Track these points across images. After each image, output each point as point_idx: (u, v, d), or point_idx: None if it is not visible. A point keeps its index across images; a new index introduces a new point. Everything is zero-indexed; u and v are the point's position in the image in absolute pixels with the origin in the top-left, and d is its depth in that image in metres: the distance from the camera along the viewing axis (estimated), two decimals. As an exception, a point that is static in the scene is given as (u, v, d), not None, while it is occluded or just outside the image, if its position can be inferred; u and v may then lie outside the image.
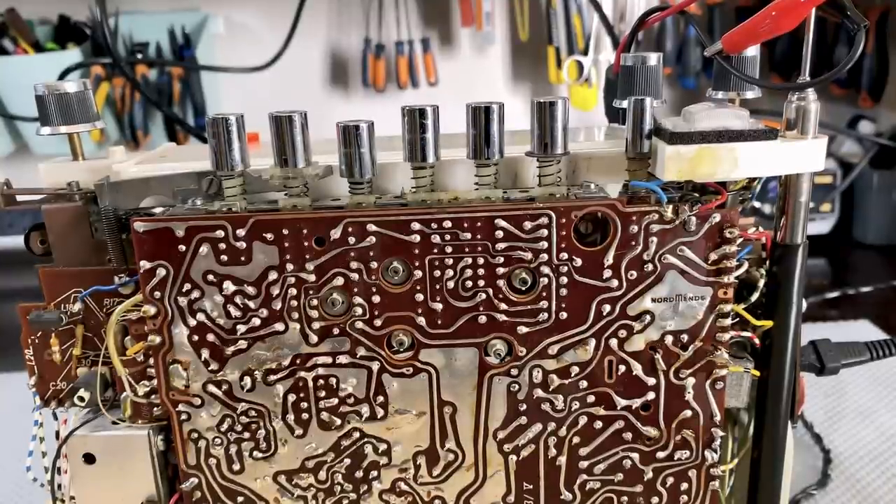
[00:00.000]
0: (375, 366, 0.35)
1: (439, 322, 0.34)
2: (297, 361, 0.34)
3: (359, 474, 0.36)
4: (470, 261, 0.33)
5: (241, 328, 0.34)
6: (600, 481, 0.36)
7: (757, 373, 0.36)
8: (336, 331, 0.34)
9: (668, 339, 0.34)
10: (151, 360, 0.35)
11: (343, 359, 0.34)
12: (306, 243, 0.33)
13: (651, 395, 0.35)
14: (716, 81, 0.38)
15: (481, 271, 0.33)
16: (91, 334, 0.37)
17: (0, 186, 0.36)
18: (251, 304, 0.34)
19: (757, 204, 0.89)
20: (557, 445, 0.36)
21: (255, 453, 0.36)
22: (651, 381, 0.35)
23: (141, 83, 0.94)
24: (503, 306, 0.34)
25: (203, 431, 0.35)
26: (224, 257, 0.33)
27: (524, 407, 0.35)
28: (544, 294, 0.34)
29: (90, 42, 0.94)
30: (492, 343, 0.34)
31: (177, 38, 0.98)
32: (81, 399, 0.35)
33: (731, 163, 0.31)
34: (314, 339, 0.34)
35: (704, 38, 0.37)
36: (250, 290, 0.33)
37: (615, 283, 0.33)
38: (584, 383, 0.35)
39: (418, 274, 0.33)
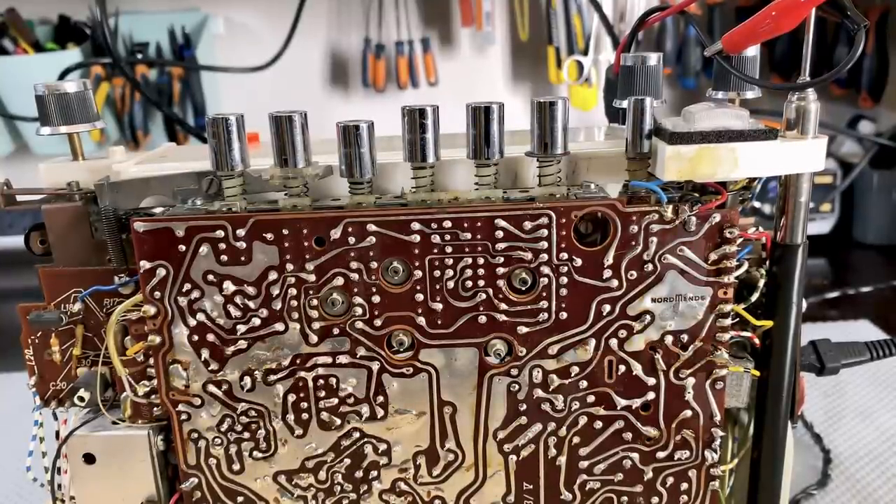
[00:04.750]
0: (375, 366, 0.35)
1: (439, 322, 0.34)
2: (297, 361, 0.34)
3: (359, 474, 0.36)
4: (470, 261, 0.33)
5: (241, 328, 0.34)
6: (600, 481, 0.36)
7: (757, 373, 0.36)
8: (336, 331, 0.34)
9: (668, 339, 0.34)
10: (151, 360, 0.35)
11: (343, 359, 0.34)
12: (306, 243, 0.33)
13: (651, 395, 0.35)
14: (716, 81, 0.38)
15: (481, 271, 0.33)
16: (91, 334, 0.37)
17: (0, 186, 0.36)
18: (251, 304, 0.34)
19: (757, 204, 0.89)
20: (557, 445, 0.36)
21: (255, 453, 0.36)
22: (651, 381, 0.35)
23: (141, 83, 0.94)
24: (503, 306, 0.34)
25: (203, 431, 0.35)
26: (224, 257, 0.33)
27: (524, 407, 0.35)
28: (544, 294, 0.34)
29: (90, 42, 0.94)
30: (492, 343, 0.34)
31: (177, 38, 0.98)
32: (81, 399, 0.35)
33: (731, 163, 0.31)
34: (314, 339, 0.34)
35: (704, 38, 0.37)
36: (250, 290, 0.33)
37: (615, 283, 0.33)
38: (584, 383, 0.35)
39: (418, 274, 0.33)
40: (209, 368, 0.35)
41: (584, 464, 0.36)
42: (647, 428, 0.35)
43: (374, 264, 0.33)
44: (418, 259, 0.33)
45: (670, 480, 0.36)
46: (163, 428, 0.36)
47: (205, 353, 0.34)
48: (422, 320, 0.34)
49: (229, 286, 0.33)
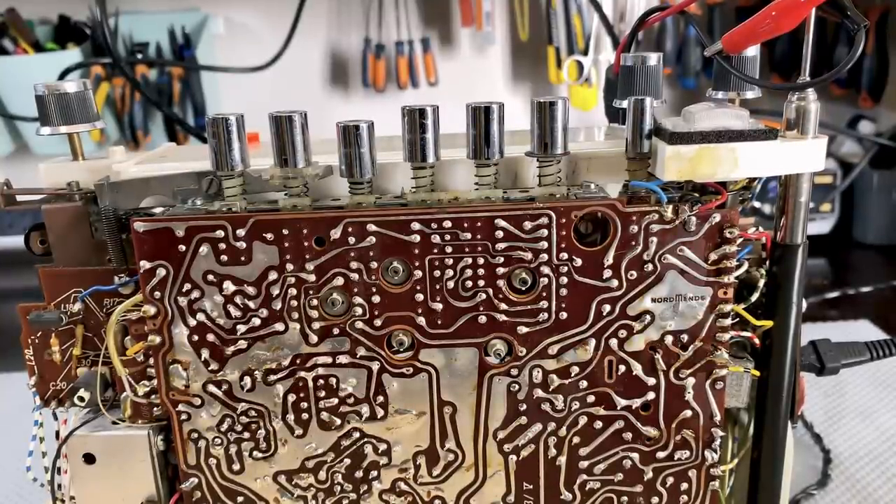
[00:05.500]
0: (375, 366, 0.35)
1: (439, 322, 0.34)
2: (297, 361, 0.34)
3: (359, 474, 0.36)
4: (470, 261, 0.33)
5: (241, 328, 0.34)
6: (600, 481, 0.36)
7: (757, 373, 0.36)
8: (336, 331, 0.34)
9: (668, 339, 0.34)
10: (151, 360, 0.35)
11: (343, 359, 0.34)
12: (306, 243, 0.33)
13: (651, 395, 0.35)
14: (716, 81, 0.38)
15: (481, 271, 0.33)
16: (91, 334, 0.37)
17: (0, 186, 0.36)
18: (251, 304, 0.34)
19: (757, 204, 0.89)
20: (557, 445, 0.36)
21: (255, 453, 0.36)
22: (651, 381, 0.35)
23: (141, 83, 0.94)
24: (503, 306, 0.34)
25: (203, 431, 0.35)
26: (224, 257, 0.33)
27: (524, 407, 0.35)
28: (544, 294, 0.34)
29: (90, 42, 0.94)
30: (492, 343, 0.34)
31: (177, 38, 0.98)
32: (81, 399, 0.35)
33: (731, 163, 0.31)
34: (314, 339, 0.34)
35: (704, 38, 0.37)
36: (250, 290, 0.33)
37: (615, 283, 0.33)
38: (584, 383, 0.35)
39: (418, 274, 0.33)
40: (209, 368, 0.35)
41: (584, 464, 0.36)
42: (647, 428, 0.35)
43: (374, 264, 0.33)
44: (418, 259, 0.33)
45: (670, 480, 0.36)
46: (163, 428, 0.36)
47: (205, 353, 0.34)
48: (422, 320, 0.34)
49: (229, 286, 0.33)
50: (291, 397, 0.35)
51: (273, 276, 0.33)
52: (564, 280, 0.33)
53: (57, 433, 0.38)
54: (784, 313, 0.35)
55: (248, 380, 0.35)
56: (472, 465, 0.36)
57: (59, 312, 0.36)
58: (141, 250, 0.33)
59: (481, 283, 0.33)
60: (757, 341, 0.36)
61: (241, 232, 0.33)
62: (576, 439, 0.36)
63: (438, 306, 0.34)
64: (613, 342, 0.34)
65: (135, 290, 0.35)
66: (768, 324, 0.35)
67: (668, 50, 1.01)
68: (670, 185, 0.33)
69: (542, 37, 1.02)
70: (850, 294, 0.82)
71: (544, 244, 0.33)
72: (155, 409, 0.36)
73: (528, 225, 0.33)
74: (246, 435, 0.36)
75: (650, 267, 0.33)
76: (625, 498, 0.37)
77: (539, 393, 0.35)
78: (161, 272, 0.33)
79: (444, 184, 0.35)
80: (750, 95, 0.37)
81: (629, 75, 0.37)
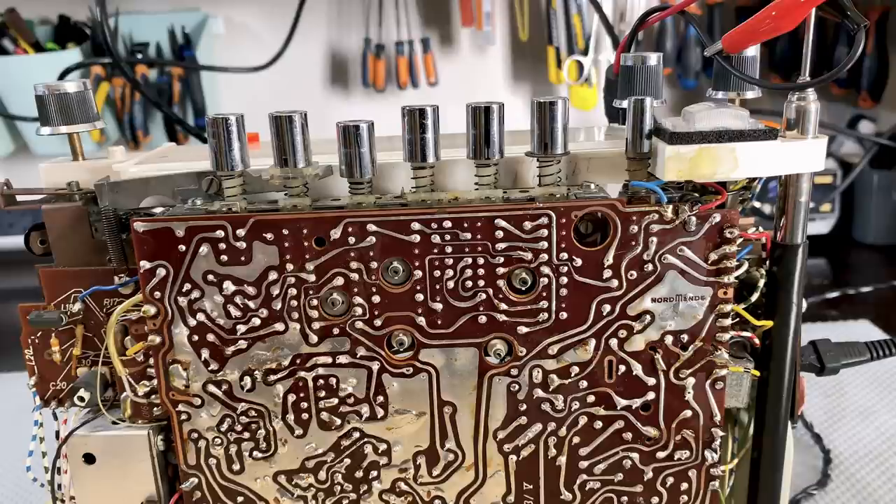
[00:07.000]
0: (375, 366, 0.35)
1: (439, 322, 0.34)
2: (297, 361, 0.34)
3: (359, 474, 0.36)
4: (470, 261, 0.33)
5: (241, 328, 0.34)
6: (600, 481, 0.36)
7: (757, 373, 0.36)
8: (336, 331, 0.34)
9: (668, 339, 0.34)
10: (151, 360, 0.35)
11: (343, 359, 0.34)
12: (306, 243, 0.33)
13: (651, 395, 0.35)
14: (716, 81, 0.38)
15: (481, 271, 0.33)
16: (91, 334, 0.37)
17: (0, 186, 0.36)
18: (251, 304, 0.34)
19: (757, 204, 0.89)
20: (557, 445, 0.36)
21: (255, 453, 0.36)
22: (651, 381, 0.35)
23: (141, 83, 0.94)
24: (503, 306, 0.34)
25: (203, 431, 0.35)
26: (224, 257, 0.33)
27: (524, 407, 0.35)
28: (544, 294, 0.34)
29: (90, 42, 0.94)
30: (492, 343, 0.34)
31: (177, 39, 0.98)
32: (81, 399, 0.35)
33: (731, 163, 0.31)
34: (314, 339, 0.34)
35: (704, 38, 0.37)
36: (250, 290, 0.33)
37: (615, 283, 0.33)
38: (584, 383, 0.35)
39: (418, 274, 0.33)
40: (209, 368, 0.35)
41: (584, 464, 0.36)
42: (647, 428, 0.35)
43: (374, 264, 0.33)
44: (418, 259, 0.33)
45: (670, 480, 0.36)
46: (163, 428, 0.36)
47: (205, 353, 0.34)
48: (422, 320, 0.34)
49: (229, 286, 0.33)
50: (291, 397, 0.35)
51: (273, 276, 0.33)
52: (564, 280, 0.33)
53: (57, 433, 0.38)
54: (784, 313, 0.35)
55: (248, 380, 0.35)
56: (472, 465, 0.36)
57: (59, 312, 0.36)
58: (141, 250, 0.33)
59: (481, 283, 0.33)
60: (757, 341, 0.36)
61: (241, 232, 0.33)
62: (576, 439, 0.36)
63: (438, 306, 0.34)
64: (613, 342, 0.34)
65: (135, 290, 0.35)
66: (768, 324, 0.35)
67: (668, 50, 1.01)
68: (670, 185, 0.33)
69: (542, 37, 1.02)
70: (850, 294, 0.82)
71: (544, 244, 0.33)
72: (155, 409, 0.36)
73: (528, 225, 0.33)
74: (246, 435, 0.36)
75: (650, 267, 0.33)
76: (625, 498, 0.37)
77: (539, 393, 0.35)
78: (161, 272, 0.33)
79: (444, 184, 0.35)
80: (750, 95, 0.37)
81: (629, 75, 0.37)
